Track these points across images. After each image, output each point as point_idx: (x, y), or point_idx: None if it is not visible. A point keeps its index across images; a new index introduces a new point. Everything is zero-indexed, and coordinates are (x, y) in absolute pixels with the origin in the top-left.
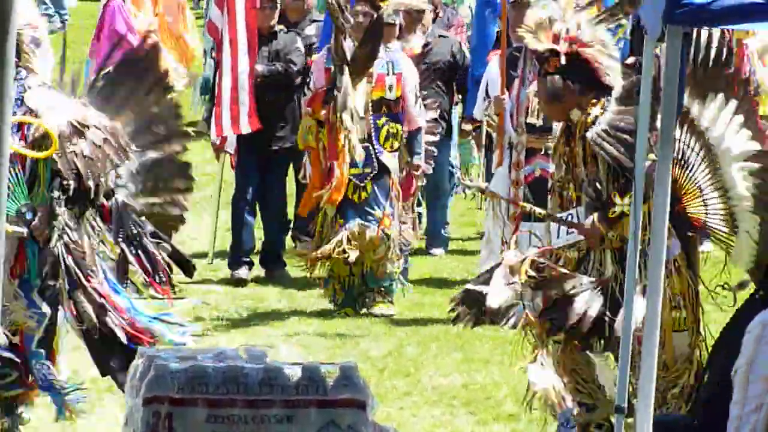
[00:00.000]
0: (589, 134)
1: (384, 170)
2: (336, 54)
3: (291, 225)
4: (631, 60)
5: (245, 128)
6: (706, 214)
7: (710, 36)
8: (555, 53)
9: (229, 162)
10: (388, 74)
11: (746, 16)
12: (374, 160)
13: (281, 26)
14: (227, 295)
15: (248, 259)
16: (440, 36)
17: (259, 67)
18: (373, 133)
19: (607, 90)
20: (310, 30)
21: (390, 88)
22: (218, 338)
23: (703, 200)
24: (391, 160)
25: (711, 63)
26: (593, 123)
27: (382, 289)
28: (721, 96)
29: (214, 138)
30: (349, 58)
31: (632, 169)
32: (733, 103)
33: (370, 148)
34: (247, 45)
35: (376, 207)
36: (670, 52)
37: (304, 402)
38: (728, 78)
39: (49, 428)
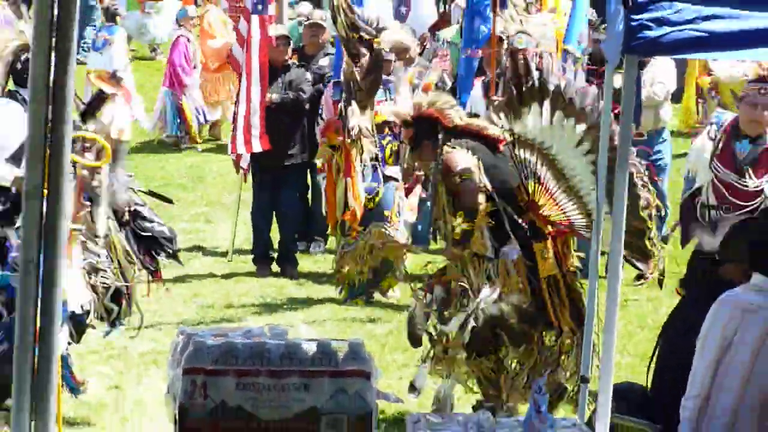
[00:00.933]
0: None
1: (389, 179)
2: (346, 79)
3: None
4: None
5: (257, 147)
6: (565, 214)
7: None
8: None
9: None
10: (386, 100)
11: (692, 47)
12: (380, 174)
13: (294, 60)
14: (253, 285)
15: (268, 258)
16: (425, 66)
17: (274, 96)
18: (379, 152)
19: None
20: (324, 62)
21: (387, 113)
22: (247, 320)
23: (558, 205)
24: (394, 172)
25: (519, 82)
26: None
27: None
28: (535, 105)
29: (231, 155)
30: (359, 83)
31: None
32: (546, 105)
33: (378, 165)
34: (259, 76)
35: (385, 209)
36: (627, 78)
37: (318, 373)
38: (532, 88)
39: (102, 395)
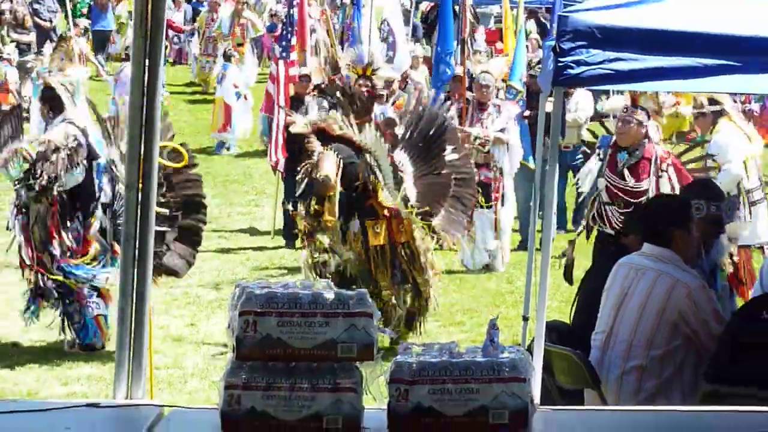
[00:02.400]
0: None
1: None
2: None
3: None
4: (527, 113)
5: (281, 157)
6: (393, 202)
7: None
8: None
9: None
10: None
11: (602, 81)
12: None
13: (314, 93)
14: (287, 253)
15: (293, 234)
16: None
17: (298, 119)
18: None
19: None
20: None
21: None
22: (285, 277)
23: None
24: None
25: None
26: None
27: None
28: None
29: (270, 161)
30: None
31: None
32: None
33: None
34: (284, 104)
35: None
36: (556, 103)
37: (335, 314)
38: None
39: (182, 331)
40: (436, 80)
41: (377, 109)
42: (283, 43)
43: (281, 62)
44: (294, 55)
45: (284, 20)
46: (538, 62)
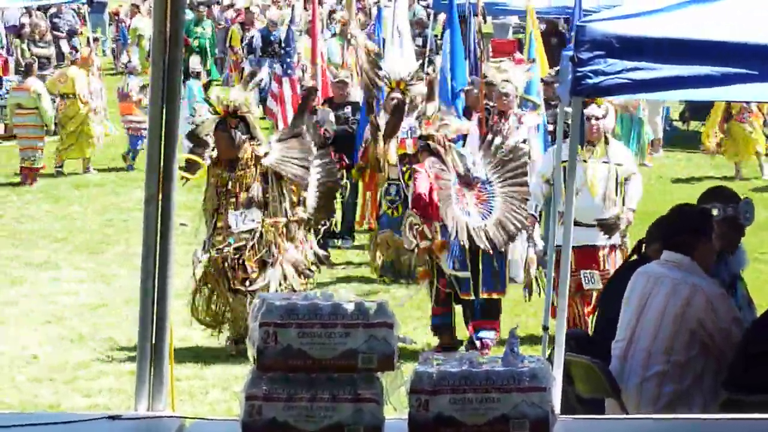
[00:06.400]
0: (266, 161)
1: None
2: (371, 123)
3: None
4: (551, 127)
5: None
6: None
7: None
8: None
9: None
10: (408, 137)
11: (620, 90)
12: (402, 192)
13: (322, 107)
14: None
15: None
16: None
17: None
18: (400, 175)
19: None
20: (347, 108)
21: (408, 146)
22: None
23: None
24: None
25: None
26: (265, 155)
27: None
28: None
29: None
30: (383, 126)
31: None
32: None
33: (401, 184)
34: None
35: None
36: (575, 112)
37: (355, 324)
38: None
39: (199, 337)
40: (444, 95)
41: (405, 123)
42: (287, 59)
43: (286, 80)
44: (298, 72)
45: (284, 40)
46: (556, 73)
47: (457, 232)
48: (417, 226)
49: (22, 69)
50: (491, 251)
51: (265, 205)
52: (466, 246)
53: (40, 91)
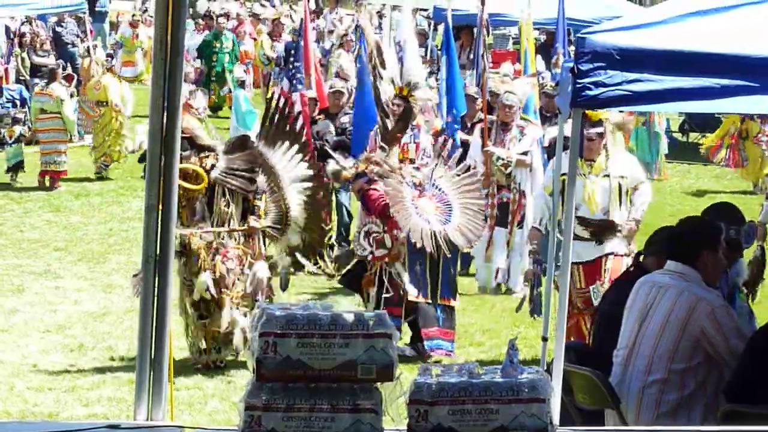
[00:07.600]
0: (213, 175)
1: None
2: (380, 128)
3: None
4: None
5: None
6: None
7: (277, 101)
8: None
9: None
10: (410, 143)
11: (620, 102)
12: None
13: (321, 116)
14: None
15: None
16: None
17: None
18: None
19: (206, 148)
20: (345, 118)
21: (411, 151)
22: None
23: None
24: None
25: (278, 122)
26: (212, 168)
27: None
28: (286, 143)
29: None
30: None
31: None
32: (294, 147)
33: None
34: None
35: None
36: (575, 124)
37: (355, 335)
38: (290, 131)
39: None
40: (449, 107)
41: (409, 130)
42: (298, 75)
43: (296, 95)
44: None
45: (289, 54)
46: (556, 84)
47: (422, 239)
48: (376, 234)
49: (22, 77)
50: (449, 254)
51: (211, 216)
52: (431, 252)
53: (63, 97)
